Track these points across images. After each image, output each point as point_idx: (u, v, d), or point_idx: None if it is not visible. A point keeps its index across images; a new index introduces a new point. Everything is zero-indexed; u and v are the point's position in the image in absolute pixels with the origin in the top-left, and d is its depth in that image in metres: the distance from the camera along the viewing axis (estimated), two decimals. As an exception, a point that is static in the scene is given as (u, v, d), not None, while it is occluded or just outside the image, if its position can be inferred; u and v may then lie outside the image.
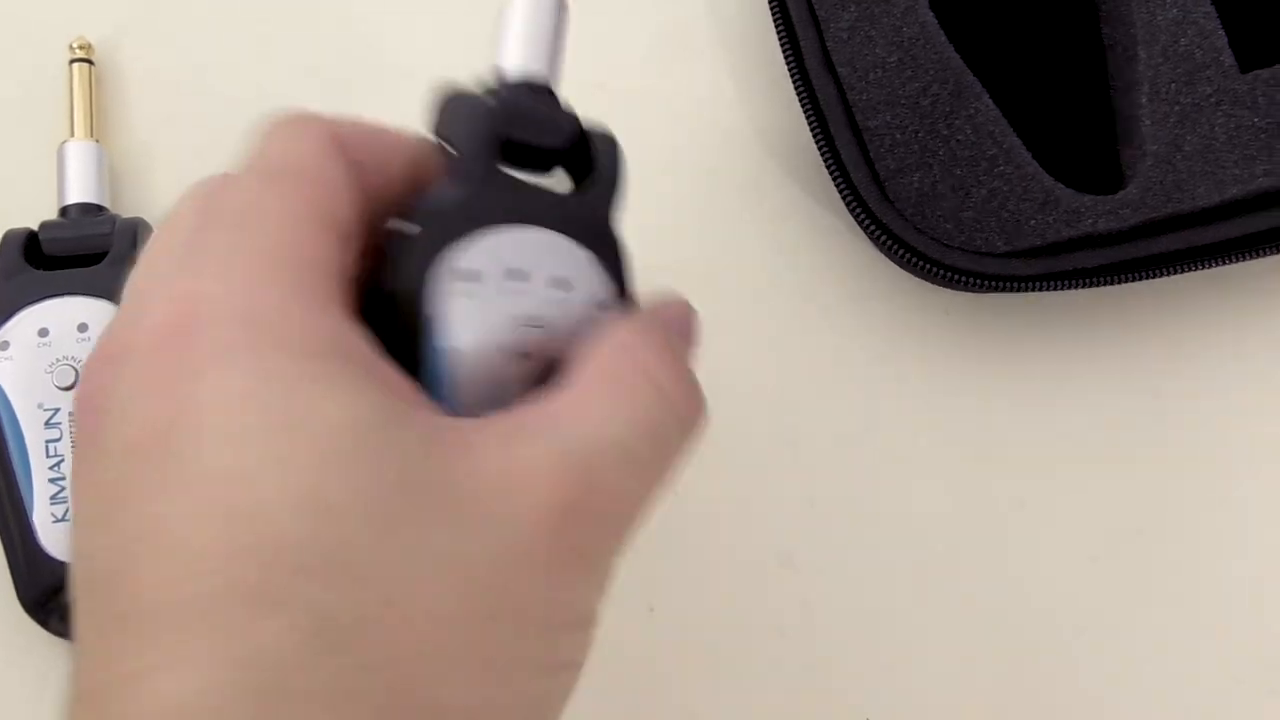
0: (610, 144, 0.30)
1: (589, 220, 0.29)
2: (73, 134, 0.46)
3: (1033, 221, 0.44)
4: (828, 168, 0.45)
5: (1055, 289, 0.44)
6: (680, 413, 0.27)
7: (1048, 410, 0.46)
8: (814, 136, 0.45)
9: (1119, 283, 0.44)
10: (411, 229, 0.27)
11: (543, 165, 0.29)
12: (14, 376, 0.42)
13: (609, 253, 0.29)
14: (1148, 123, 0.45)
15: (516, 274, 0.28)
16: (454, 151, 0.28)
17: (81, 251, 0.43)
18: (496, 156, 0.28)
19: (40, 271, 0.43)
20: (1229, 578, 0.45)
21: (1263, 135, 0.45)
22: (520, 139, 0.28)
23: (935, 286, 0.46)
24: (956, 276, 0.44)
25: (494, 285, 0.27)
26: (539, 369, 0.28)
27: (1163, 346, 0.47)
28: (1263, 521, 0.46)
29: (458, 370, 0.27)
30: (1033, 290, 0.44)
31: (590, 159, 0.29)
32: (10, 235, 0.43)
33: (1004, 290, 0.44)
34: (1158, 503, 0.46)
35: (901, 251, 0.44)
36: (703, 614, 0.44)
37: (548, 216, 0.28)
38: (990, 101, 0.45)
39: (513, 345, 0.28)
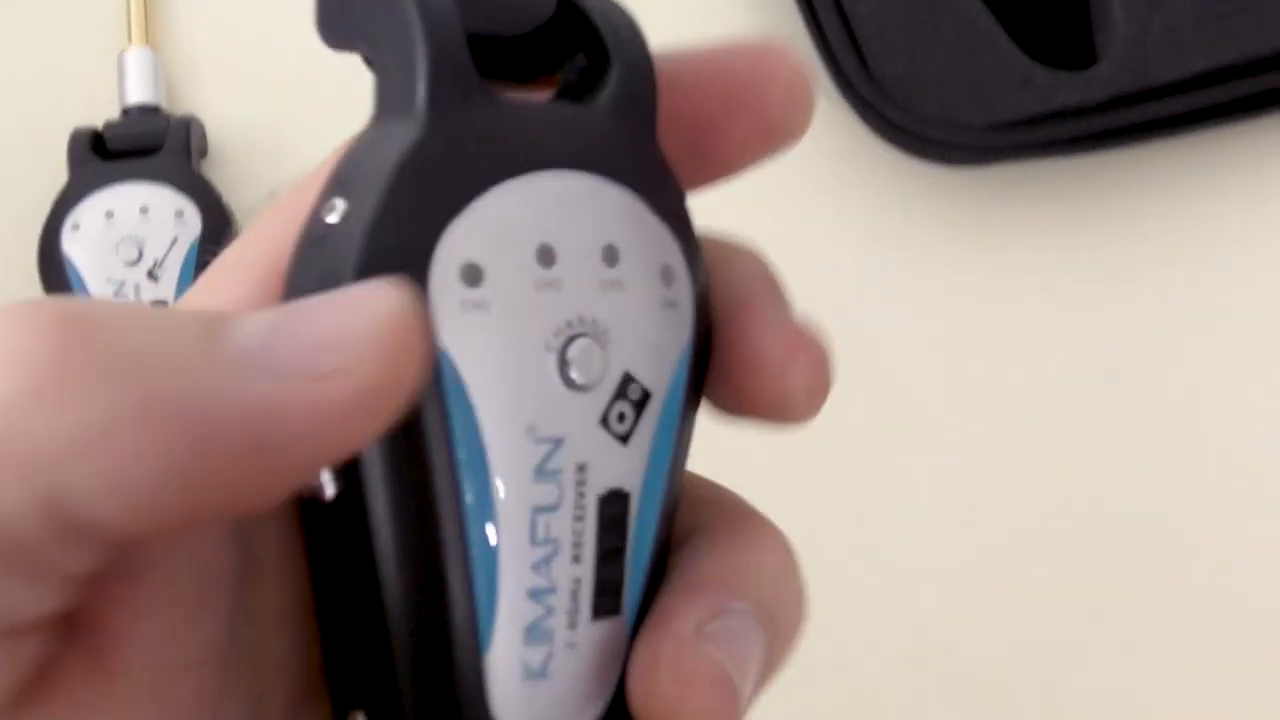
0: (619, 16, 0.21)
1: (622, 144, 0.20)
2: (130, 42, 0.51)
3: (1010, 97, 0.48)
4: (818, 53, 0.49)
5: (1030, 159, 0.48)
6: None
7: (1026, 276, 0.50)
8: (805, 25, 0.49)
9: (1089, 153, 0.48)
10: (332, 215, 0.19)
11: (519, 71, 0.21)
12: (85, 254, 0.47)
13: (660, 190, 0.20)
14: (1119, 7, 0.48)
15: (544, 254, 0.19)
16: (387, 64, 0.19)
17: (141, 146, 0.48)
18: (467, 60, 0.19)
19: (105, 163, 0.48)
20: (1196, 411, 0.49)
21: (1228, 17, 0.48)
22: (484, 27, 0.20)
23: (918, 162, 0.50)
24: (939, 150, 0.48)
25: (512, 282, 0.19)
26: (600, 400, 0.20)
27: (1130, 215, 0.51)
28: (1227, 370, 0.49)
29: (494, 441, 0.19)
30: (1010, 161, 0.48)
31: (597, 46, 0.20)
32: (78, 132, 0.49)
33: (982, 163, 0.48)
34: (1129, 356, 0.49)
35: (887, 129, 0.48)
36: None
37: (565, 150, 0.20)
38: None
39: (555, 374, 0.19)
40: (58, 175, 0.48)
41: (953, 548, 0.48)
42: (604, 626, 0.20)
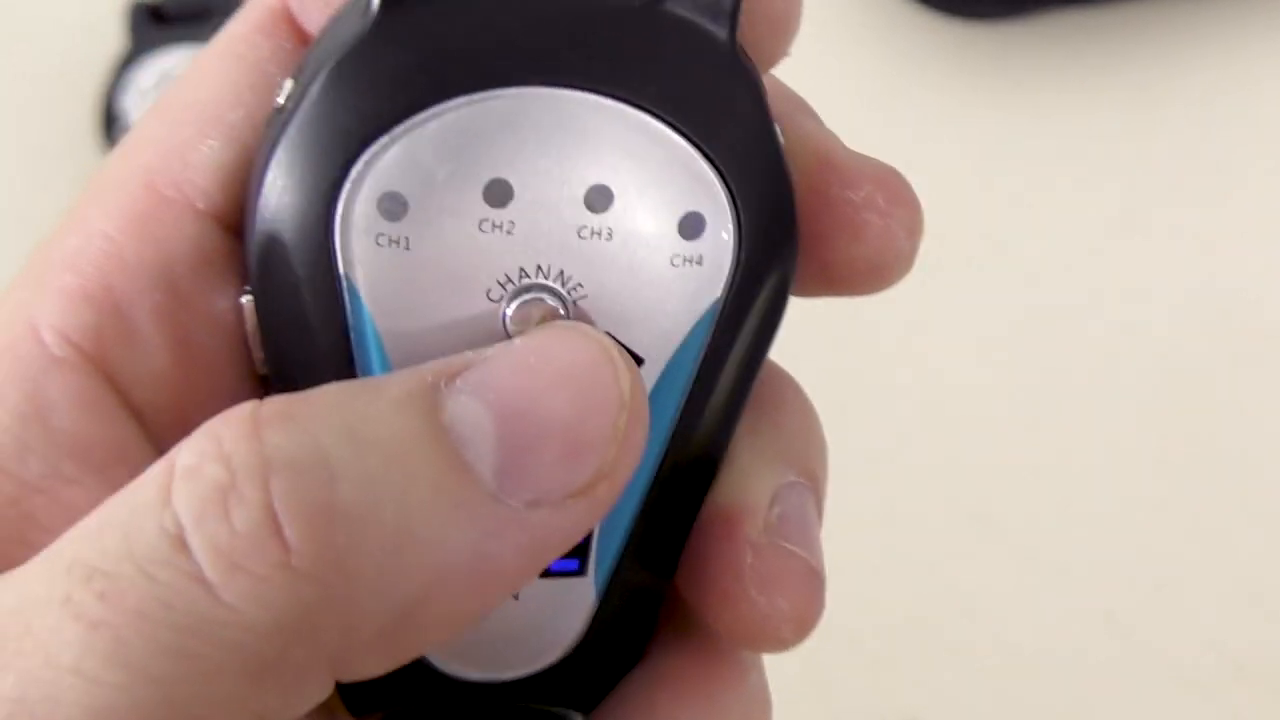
0: None
1: (666, 52, 0.17)
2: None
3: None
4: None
5: (1056, 9, 0.49)
6: None
7: (1044, 124, 0.51)
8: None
9: (1112, 3, 0.50)
10: (280, 95, 0.18)
11: None
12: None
13: (717, 116, 0.17)
14: None
15: (496, 191, 0.17)
16: None
17: (195, 9, 0.51)
18: None
19: (161, 29, 0.50)
20: (1216, 258, 0.50)
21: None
22: None
23: (943, 18, 0.51)
24: (965, 4, 0.50)
25: (442, 220, 0.17)
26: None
27: (1138, 67, 0.52)
28: (1249, 224, 0.50)
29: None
30: (1035, 14, 0.49)
31: None
32: (137, 4, 0.51)
33: (1009, 15, 0.50)
34: (1144, 201, 0.51)
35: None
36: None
37: (564, 62, 0.17)
38: None
39: (499, 327, 0.18)
40: (114, 47, 0.51)
41: (980, 396, 0.49)
42: (558, 585, 0.19)
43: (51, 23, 0.53)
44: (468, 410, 0.16)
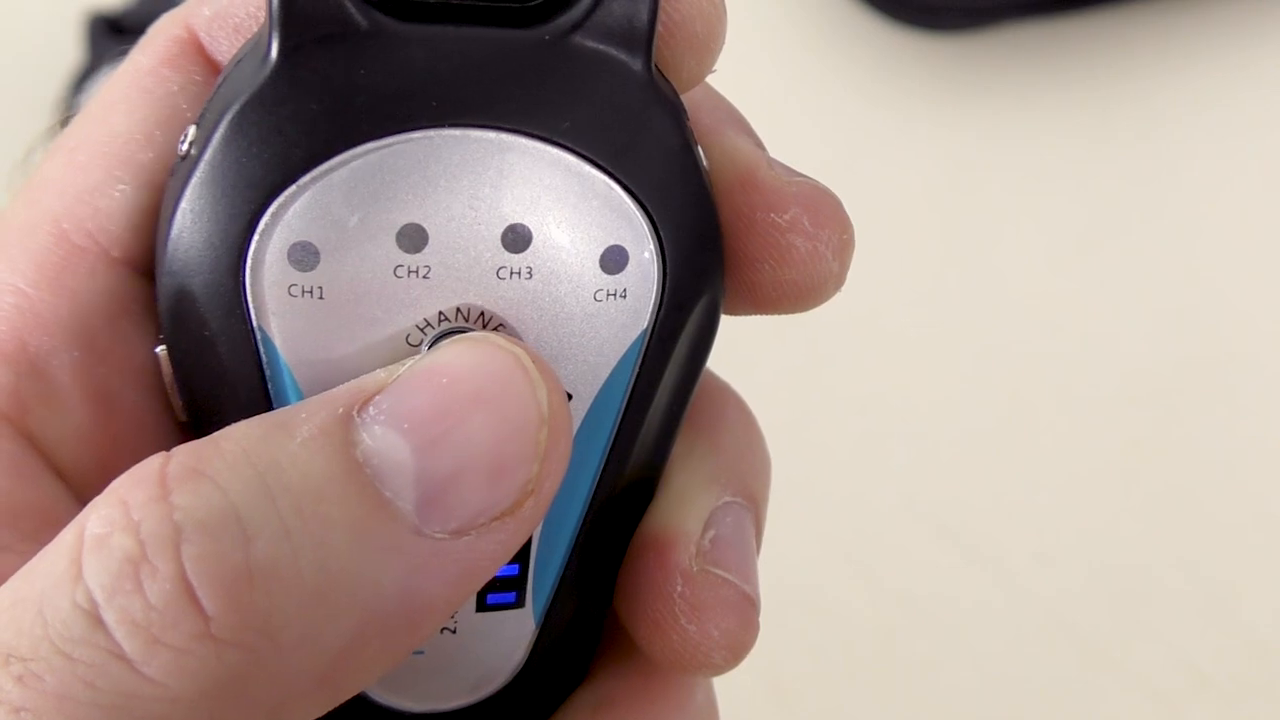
0: None
1: (579, 85, 0.17)
2: (145, -65, 0.53)
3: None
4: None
5: (1015, 21, 0.50)
6: None
7: (1007, 136, 0.52)
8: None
9: (1072, 12, 0.50)
10: (184, 143, 0.17)
11: None
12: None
13: (631, 148, 0.17)
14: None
15: (410, 236, 0.17)
16: None
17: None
18: None
19: (122, 40, 0.50)
20: (1183, 268, 0.50)
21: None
22: None
23: (905, 31, 0.51)
24: (928, 16, 0.50)
25: (356, 268, 0.16)
26: None
27: (1111, 78, 0.52)
28: (1211, 228, 0.51)
29: None
30: (995, 25, 0.50)
31: None
32: (95, 16, 0.51)
33: (969, 27, 0.50)
34: (1107, 213, 0.51)
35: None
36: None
37: (472, 99, 0.16)
38: None
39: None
40: (73, 59, 0.50)
41: (947, 405, 0.49)
42: (496, 618, 0.19)
43: (9, 34, 0.53)
44: (383, 443, 0.16)
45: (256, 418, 0.16)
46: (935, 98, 0.52)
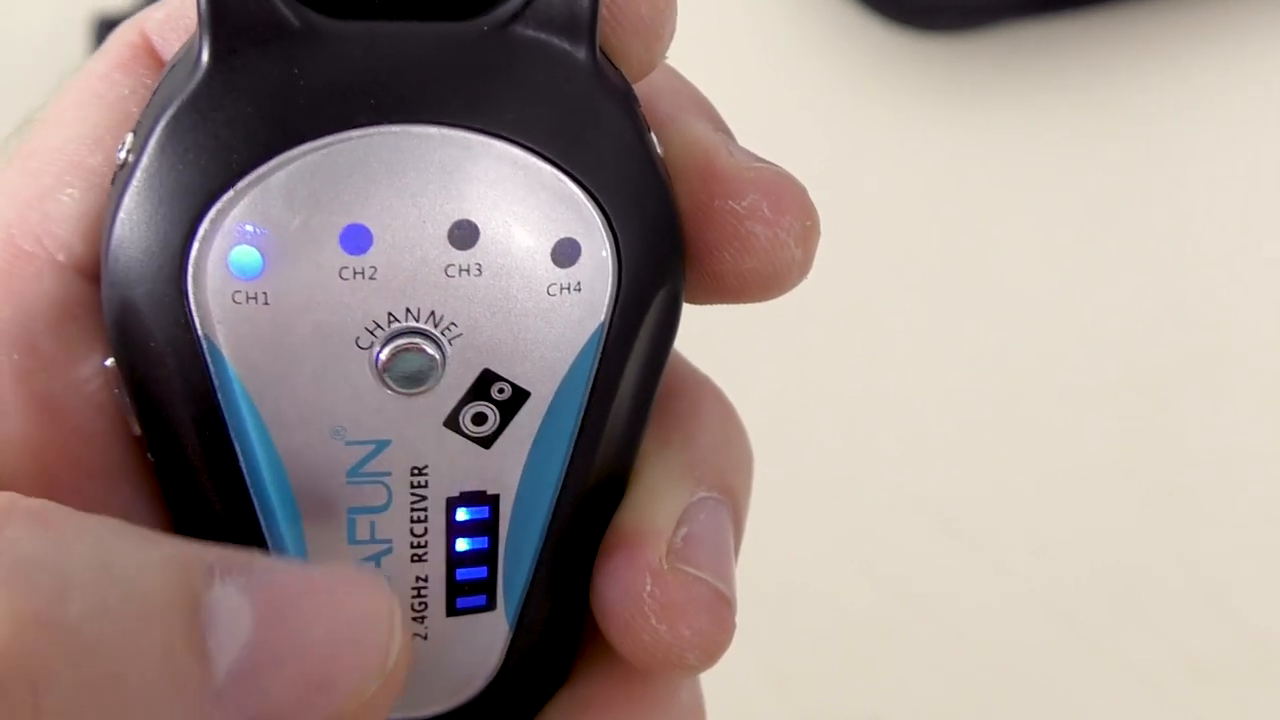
0: None
1: (521, 77, 0.16)
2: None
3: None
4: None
5: (1003, 23, 0.50)
6: None
7: (1002, 136, 0.52)
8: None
9: (1067, 12, 0.50)
10: (122, 150, 0.17)
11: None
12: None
13: (579, 139, 0.17)
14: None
15: (353, 237, 0.16)
16: None
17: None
18: None
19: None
20: (1177, 257, 0.51)
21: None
22: None
23: (901, 31, 0.52)
24: (923, 16, 0.50)
25: (300, 272, 0.16)
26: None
27: (1095, 79, 0.52)
28: (1207, 228, 0.51)
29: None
30: (990, 26, 0.50)
31: None
32: (103, 18, 0.51)
33: (965, 28, 0.50)
34: (1102, 213, 0.51)
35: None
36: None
37: (412, 96, 0.16)
38: None
39: (369, 374, 0.17)
40: (79, 61, 0.51)
41: (947, 399, 0.50)
42: (468, 621, 0.19)
43: (15, 36, 0.54)
44: (233, 600, 0.15)
45: (125, 525, 0.16)
46: (932, 97, 0.52)
